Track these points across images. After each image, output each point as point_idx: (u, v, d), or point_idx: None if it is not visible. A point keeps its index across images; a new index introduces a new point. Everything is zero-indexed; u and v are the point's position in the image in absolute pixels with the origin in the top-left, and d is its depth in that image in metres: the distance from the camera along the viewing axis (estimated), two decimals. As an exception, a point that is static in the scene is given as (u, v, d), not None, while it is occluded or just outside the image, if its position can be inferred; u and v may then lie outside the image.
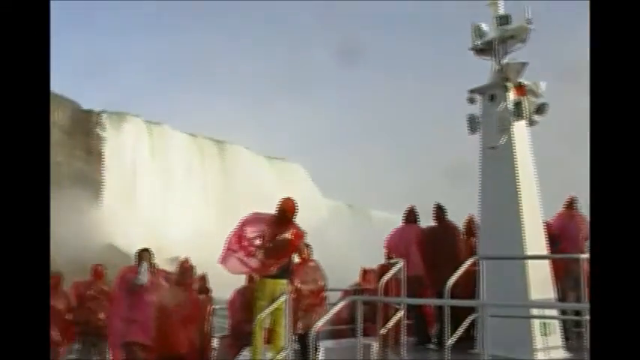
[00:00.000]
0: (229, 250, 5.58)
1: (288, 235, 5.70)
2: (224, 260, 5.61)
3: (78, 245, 63.21)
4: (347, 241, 57.86)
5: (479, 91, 6.48)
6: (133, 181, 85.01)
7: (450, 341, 4.72)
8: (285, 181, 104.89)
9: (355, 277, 8.90)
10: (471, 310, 5.90)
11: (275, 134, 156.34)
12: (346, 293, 8.07)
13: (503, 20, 6.30)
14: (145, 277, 6.25)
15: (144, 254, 6.58)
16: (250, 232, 5.63)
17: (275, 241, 5.61)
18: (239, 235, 5.60)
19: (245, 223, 5.69)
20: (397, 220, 7.89)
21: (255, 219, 5.77)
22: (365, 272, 8.84)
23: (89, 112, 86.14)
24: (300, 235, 5.81)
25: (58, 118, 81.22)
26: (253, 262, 5.55)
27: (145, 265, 6.31)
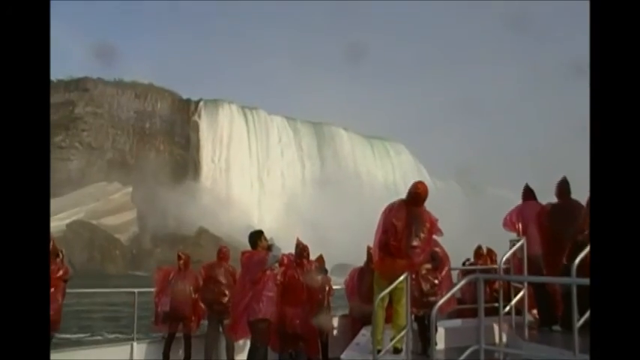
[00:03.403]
0: (379, 258, 5.79)
1: (424, 219, 5.77)
2: (378, 268, 5.88)
3: (173, 227, 68.72)
4: (461, 219, 56.61)
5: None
6: (228, 165, 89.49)
7: (578, 323, 4.57)
8: (388, 161, 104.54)
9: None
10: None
11: (374, 115, 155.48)
12: (462, 273, 8.32)
13: None
14: (279, 253, 6.75)
15: (262, 235, 7.01)
16: (389, 227, 5.69)
17: (415, 229, 5.66)
18: (379, 241, 5.74)
19: (382, 223, 5.77)
20: (513, 197, 7.86)
21: (387, 213, 5.81)
22: (478, 250, 8.98)
23: (188, 101, 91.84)
24: (434, 218, 5.87)
25: (159, 108, 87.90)
26: (402, 262, 5.66)
27: (276, 246, 6.81)
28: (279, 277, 6.89)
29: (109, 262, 67.47)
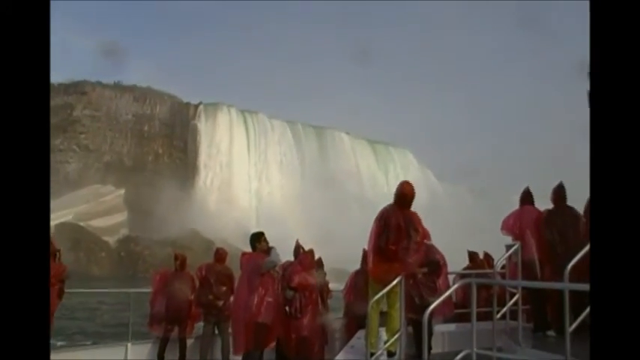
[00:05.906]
0: (374, 263, 5.88)
1: (415, 220, 5.85)
2: (373, 273, 5.95)
3: (164, 230, 68.89)
4: (469, 222, 56.70)
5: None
6: (227, 169, 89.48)
7: (570, 328, 4.65)
8: (392, 166, 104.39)
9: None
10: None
11: (377, 120, 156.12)
12: (459, 277, 8.48)
13: None
14: (278, 259, 6.81)
15: (262, 237, 7.08)
16: (379, 233, 5.77)
17: (408, 231, 5.74)
18: (374, 246, 5.83)
19: (377, 227, 5.87)
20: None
21: (382, 217, 5.88)
22: (473, 255, 9.13)
23: (187, 105, 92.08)
24: (420, 218, 5.92)
25: (158, 111, 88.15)
26: (397, 265, 5.71)
27: (275, 250, 6.87)
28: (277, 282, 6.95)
29: (93, 264, 67.15)
